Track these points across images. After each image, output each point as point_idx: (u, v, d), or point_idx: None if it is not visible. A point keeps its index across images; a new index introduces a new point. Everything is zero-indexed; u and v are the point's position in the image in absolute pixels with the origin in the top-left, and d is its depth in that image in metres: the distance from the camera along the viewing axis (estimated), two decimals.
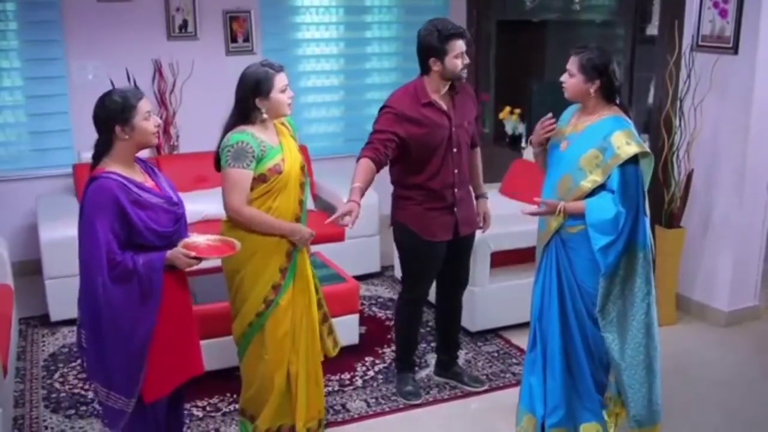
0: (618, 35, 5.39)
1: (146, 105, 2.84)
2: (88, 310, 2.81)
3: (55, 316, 4.78)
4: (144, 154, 5.49)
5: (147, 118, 2.83)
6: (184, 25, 5.84)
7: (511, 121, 6.50)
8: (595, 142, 3.16)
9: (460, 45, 3.57)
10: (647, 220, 3.22)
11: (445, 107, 3.67)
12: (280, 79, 3.25)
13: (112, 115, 2.77)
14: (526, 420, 3.45)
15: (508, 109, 6.53)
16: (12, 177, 5.58)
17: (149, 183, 2.92)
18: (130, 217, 2.76)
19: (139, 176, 2.89)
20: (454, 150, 3.70)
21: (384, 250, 5.59)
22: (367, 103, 6.54)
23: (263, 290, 3.33)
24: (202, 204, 5.23)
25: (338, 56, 6.51)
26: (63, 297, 4.60)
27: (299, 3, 6.26)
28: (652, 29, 5.16)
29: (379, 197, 5.28)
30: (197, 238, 3.01)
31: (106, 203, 2.73)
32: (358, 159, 3.61)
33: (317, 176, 5.83)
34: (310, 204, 4.82)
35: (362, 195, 3.45)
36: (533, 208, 3.27)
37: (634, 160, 3.12)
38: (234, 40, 6.00)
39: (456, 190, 3.75)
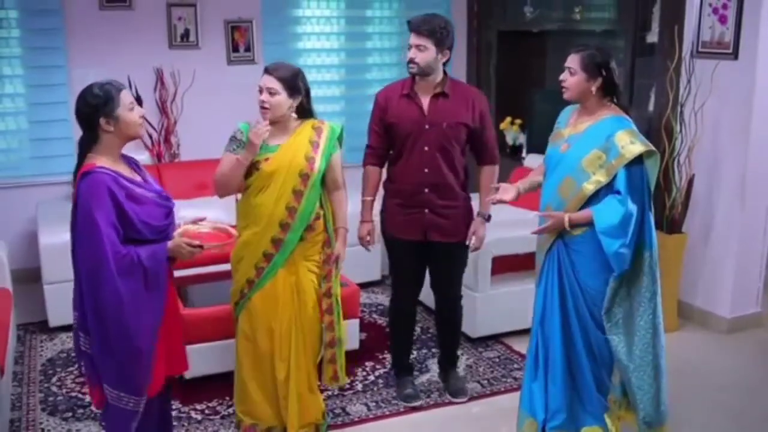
0: (618, 43, 5.40)
1: (128, 96, 2.80)
2: (92, 310, 2.73)
3: (53, 321, 4.76)
4: (145, 161, 5.57)
5: (131, 108, 2.79)
6: (186, 34, 5.86)
7: (512, 131, 6.50)
8: (597, 142, 3.13)
9: (412, 37, 3.58)
10: (652, 220, 3.20)
11: (424, 103, 3.66)
12: (261, 80, 3.28)
13: (95, 108, 2.72)
14: (527, 424, 3.40)
15: (508, 119, 6.53)
16: (13, 184, 5.58)
17: (137, 178, 2.89)
18: (125, 211, 2.72)
19: (126, 171, 2.86)
20: (425, 148, 3.65)
21: (385, 259, 5.56)
22: (368, 114, 6.45)
23: (240, 281, 3.38)
24: (202, 211, 5.18)
25: (339, 66, 6.52)
26: (62, 302, 4.56)
27: (301, 13, 6.29)
28: (652, 37, 5.17)
29: (379, 204, 5.26)
30: (191, 227, 2.98)
31: (102, 196, 2.68)
32: (364, 165, 3.83)
33: None
34: None
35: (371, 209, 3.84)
36: (538, 226, 3.26)
37: (639, 159, 3.11)
38: (235, 49, 6.02)
39: (427, 191, 3.69)
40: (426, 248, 3.78)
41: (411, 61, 3.58)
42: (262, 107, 3.26)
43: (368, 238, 3.85)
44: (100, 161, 2.76)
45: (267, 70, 3.28)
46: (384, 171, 3.86)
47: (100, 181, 2.70)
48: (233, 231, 3.07)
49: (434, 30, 3.54)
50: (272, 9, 6.12)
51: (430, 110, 3.65)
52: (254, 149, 3.21)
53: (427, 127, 3.64)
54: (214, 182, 3.35)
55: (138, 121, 2.82)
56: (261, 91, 3.25)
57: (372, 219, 3.84)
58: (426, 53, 3.55)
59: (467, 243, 3.77)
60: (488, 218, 3.80)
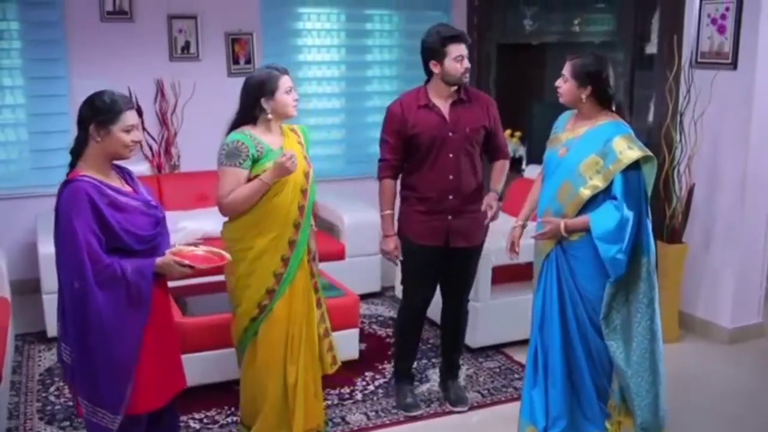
0: (618, 55, 5.42)
1: (132, 118, 2.76)
2: (72, 320, 2.70)
3: (52, 331, 4.72)
4: (145, 172, 5.56)
5: (127, 130, 2.74)
6: (187, 46, 5.89)
7: (512, 143, 6.51)
8: (595, 147, 3.15)
9: (459, 48, 3.59)
10: (650, 226, 3.20)
11: (444, 111, 3.68)
12: (285, 81, 3.27)
13: (94, 113, 2.70)
14: None
15: (508, 132, 6.54)
16: (13, 195, 5.58)
17: (126, 188, 2.84)
18: (106, 219, 2.66)
19: (115, 181, 2.81)
20: (450, 155, 3.68)
21: (385, 270, 5.55)
22: (368, 126, 6.55)
23: (257, 294, 3.30)
24: (202, 222, 5.22)
25: (339, 79, 6.54)
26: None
27: (301, 26, 6.32)
28: (651, 48, 5.19)
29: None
30: (184, 248, 2.91)
31: (82, 204, 2.63)
32: (380, 178, 3.77)
33: (318, 197, 5.80)
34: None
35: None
36: (537, 232, 3.27)
37: (636, 164, 3.11)
38: (236, 61, 6.04)
39: (451, 197, 3.71)
40: (445, 253, 3.78)
41: (467, 71, 3.65)
42: (294, 106, 3.31)
43: (396, 252, 3.80)
44: (85, 170, 2.72)
45: (285, 71, 3.31)
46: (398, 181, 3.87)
47: (80, 189, 2.65)
48: (227, 255, 3.01)
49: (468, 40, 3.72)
50: (273, 21, 6.15)
51: (452, 117, 3.68)
52: (287, 174, 3.20)
53: (450, 134, 3.67)
54: (228, 204, 3.24)
55: (127, 144, 2.76)
56: (290, 91, 3.29)
57: (395, 232, 3.80)
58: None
59: (483, 209, 3.69)
60: (501, 197, 3.81)
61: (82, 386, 2.75)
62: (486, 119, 3.77)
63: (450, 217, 3.73)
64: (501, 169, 3.89)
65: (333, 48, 6.46)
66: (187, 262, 2.80)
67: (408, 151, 3.72)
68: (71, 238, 2.63)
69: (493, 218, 3.76)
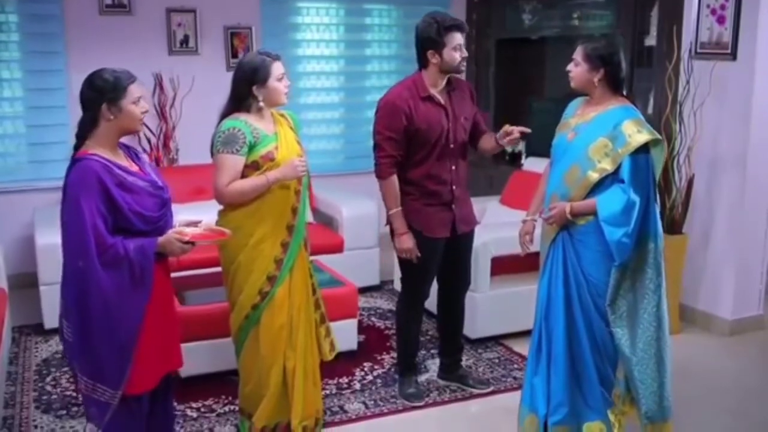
0: None
1: (138, 90, 2.77)
2: (74, 297, 2.69)
3: (49, 323, 4.70)
4: None
5: (136, 102, 2.75)
6: (186, 40, 5.88)
7: None
8: (604, 130, 3.12)
9: (458, 37, 3.57)
10: (658, 210, 3.18)
11: (443, 101, 3.67)
12: (277, 68, 3.26)
13: (101, 93, 2.69)
14: (528, 421, 3.35)
15: (507, 127, 6.53)
16: (10, 189, 5.57)
17: (134, 167, 2.84)
18: (115, 200, 2.66)
19: (123, 160, 2.81)
20: (451, 146, 3.68)
21: (384, 264, 5.53)
22: (367, 121, 6.44)
23: (258, 281, 3.28)
24: (200, 215, 5.13)
25: (338, 73, 6.54)
26: (57, 304, 4.51)
27: (300, 20, 6.32)
28: (651, 40, 5.19)
29: (379, 209, 5.24)
30: (186, 229, 2.92)
31: (91, 184, 2.63)
32: (385, 176, 3.66)
33: (317, 192, 5.81)
34: (309, 217, 4.79)
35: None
36: (544, 216, 3.25)
37: (645, 148, 3.09)
38: (235, 55, 6.02)
39: (454, 187, 3.72)
40: (450, 243, 3.78)
41: (465, 59, 3.63)
42: (286, 93, 3.32)
43: (416, 249, 3.69)
44: (94, 149, 2.72)
45: (277, 57, 3.30)
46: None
47: (89, 169, 2.65)
48: (227, 231, 3.02)
49: None
50: (272, 16, 6.15)
51: (450, 107, 3.67)
52: (294, 178, 3.23)
53: (450, 124, 3.66)
54: (229, 194, 3.23)
55: (139, 117, 2.79)
56: (282, 78, 3.28)
57: (408, 229, 3.71)
58: None
59: (505, 138, 3.61)
60: None
61: (82, 363, 2.75)
62: (473, 105, 3.81)
63: (454, 206, 3.74)
64: (490, 134, 3.82)
65: (332, 42, 6.46)
66: (187, 238, 2.81)
67: (409, 146, 3.66)
68: (78, 218, 2.63)
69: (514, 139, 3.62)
